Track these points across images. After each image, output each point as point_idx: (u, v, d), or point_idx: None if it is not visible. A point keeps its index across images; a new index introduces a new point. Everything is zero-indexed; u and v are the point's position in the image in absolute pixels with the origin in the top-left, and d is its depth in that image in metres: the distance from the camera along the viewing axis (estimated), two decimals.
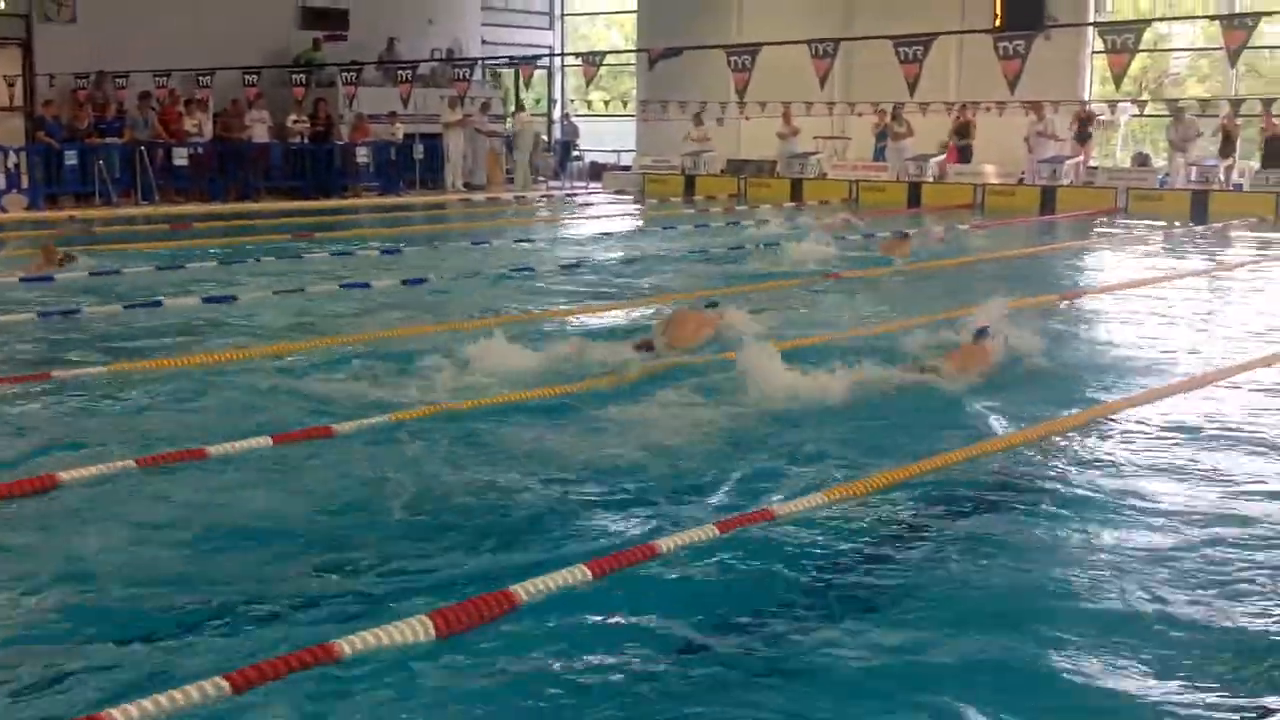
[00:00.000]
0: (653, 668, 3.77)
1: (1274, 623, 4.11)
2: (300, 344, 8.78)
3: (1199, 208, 21.18)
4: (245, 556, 4.64)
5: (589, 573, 4.21)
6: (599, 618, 4.09)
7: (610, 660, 3.80)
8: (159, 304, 10.36)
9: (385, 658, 3.62)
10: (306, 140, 24.94)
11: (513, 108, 30.68)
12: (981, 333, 7.89)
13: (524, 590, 4.01)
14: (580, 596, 4.14)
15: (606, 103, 31.26)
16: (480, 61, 27.41)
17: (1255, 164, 22.73)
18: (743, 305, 9.64)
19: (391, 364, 7.77)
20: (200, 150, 23.40)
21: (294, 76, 24.40)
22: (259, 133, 24.37)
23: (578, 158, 31.78)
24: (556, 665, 3.76)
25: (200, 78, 23.72)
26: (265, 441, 5.92)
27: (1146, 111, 25.95)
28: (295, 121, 24.66)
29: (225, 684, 3.29)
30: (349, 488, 5.48)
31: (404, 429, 6.28)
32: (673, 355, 7.96)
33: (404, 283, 11.90)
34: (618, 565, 4.33)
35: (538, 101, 33.98)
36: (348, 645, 3.57)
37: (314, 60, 26.11)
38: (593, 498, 5.36)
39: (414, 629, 3.70)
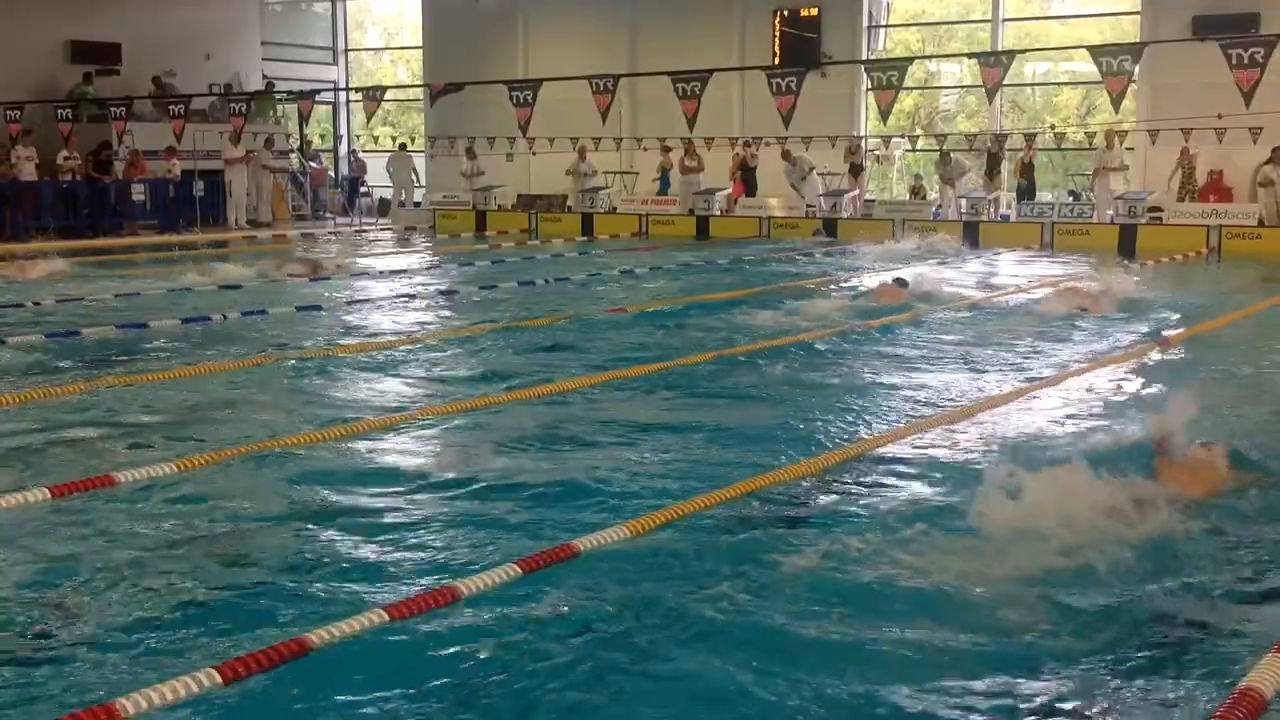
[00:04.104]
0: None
1: None
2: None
3: (971, 238, 22.14)
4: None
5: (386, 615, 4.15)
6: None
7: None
8: None
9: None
10: (79, 178, 23.97)
11: (297, 143, 30.12)
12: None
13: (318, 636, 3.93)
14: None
15: (394, 139, 30.97)
16: (257, 96, 26.78)
17: (1012, 194, 23.99)
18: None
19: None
20: None
21: (61, 112, 23.43)
22: (27, 170, 23.31)
23: (365, 194, 31.35)
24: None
25: None
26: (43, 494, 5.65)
27: (920, 146, 27.09)
28: (67, 159, 23.69)
29: None
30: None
31: None
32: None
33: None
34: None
35: (322, 137, 33.46)
36: (130, 704, 3.41)
37: (85, 95, 25.15)
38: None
39: (200, 680, 3.56)
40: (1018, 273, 17.91)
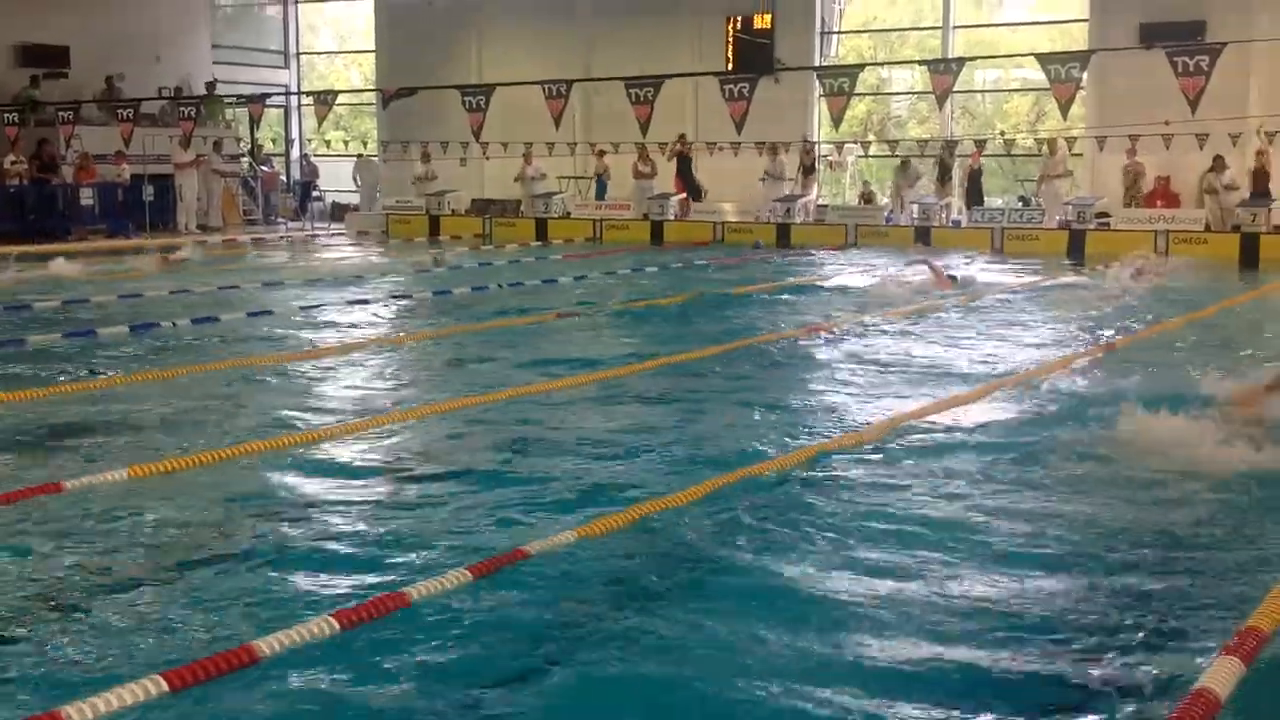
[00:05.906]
0: None
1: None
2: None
3: (923, 242, 22.32)
4: None
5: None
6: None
7: None
8: None
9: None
10: (25, 182, 23.70)
11: (248, 147, 29.91)
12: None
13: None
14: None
15: (347, 143, 30.81)
16: (206, 100, 26.58)
17: (961, 201, 24.19)
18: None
19: None
20: None
21: (7, 115, 23.18)
22: None
23: (318, 198, 31.17)
24: None
25: None
26: None
27: (871, 152, 27.24)
28: (14, 163, 23.41)
29: None
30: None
31: None
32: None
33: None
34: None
35: (274, 141, 33.22)
36: (75, 711, 3.37)
37: (32, 98, 24.87)
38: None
39: (146, 688, 3.53)
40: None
